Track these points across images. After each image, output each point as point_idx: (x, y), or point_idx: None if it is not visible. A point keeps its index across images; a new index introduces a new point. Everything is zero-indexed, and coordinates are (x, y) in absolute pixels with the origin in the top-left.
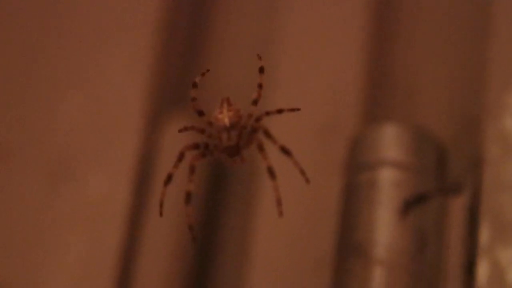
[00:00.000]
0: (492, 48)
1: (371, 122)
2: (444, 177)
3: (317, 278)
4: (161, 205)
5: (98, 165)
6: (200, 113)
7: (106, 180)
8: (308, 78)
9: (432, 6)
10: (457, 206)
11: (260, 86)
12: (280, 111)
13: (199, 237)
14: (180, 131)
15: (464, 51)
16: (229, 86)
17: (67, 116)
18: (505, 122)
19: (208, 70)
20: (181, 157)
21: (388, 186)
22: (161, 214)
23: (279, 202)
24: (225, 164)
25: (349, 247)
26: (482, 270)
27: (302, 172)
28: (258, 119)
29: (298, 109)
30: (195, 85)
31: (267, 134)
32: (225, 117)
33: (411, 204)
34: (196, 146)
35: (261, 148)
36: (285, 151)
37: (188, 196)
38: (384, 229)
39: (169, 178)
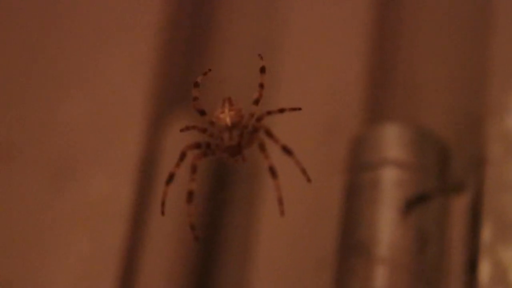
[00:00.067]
0: (494, 47)
1: (373, 122)
2: (446, 177)
3: (319, 277)
4: (163, 204)
5: (100, 165)
6: (202, 113)
7: (108, 180)
8: (310, 78)
9: (433, 6)
10: (459, 205)
11: (261, 85)
12: (281, 110)
13: (201, 236)
14: (181, 130)
15: (466, 51)
16: (231, 86)
17: (68, 116)
18: (507, 121)
19: (209, 70)
20: (182, 156)
21: (390, 186)
22: (163, 213)
23: (280, 202)
24: (226, 163)
25: (351, 247)
26: (484, 270)
27: (304, 172)
28: (259, 119)
29: (300, 109)
30: (196, 84)
31: (269, 134)
32: (226, 117)
33: (413, 204)
34: (197, 146)
35: (262, 148)
36: (286, 150)
37: (190, 196)
38: (386, 228)
39: (170, 178)
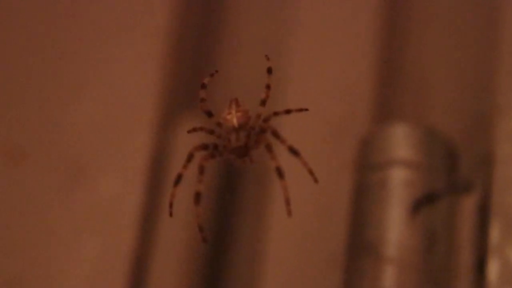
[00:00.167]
0: (503, 47)
1: (382, 122)
2: (454, 177)
3: (328, 277)
4: (170, 206)
5: (110, 166)
6: (209, 114)
7: (118, 181)
8: (318, 78)
9: (442, 5)
10: (468, 205)
11: (268, 86)
12: (288, 111)
13: (211, 237)
14: (189, 131)
15: (474, 51)
16: (239, 87)
17: (78, 118)
18: None
19: (216, 71)
20: (190, 157)
21: (398, 186)
22: (171, 214)
23: (287, 202)
24: (234, 164)
25: (359, 247)
26: (493, 269)
27: (311, 172)
28: (266, 120)
29: (306, 109)
30: (204, 86)
31: (276, 135)
32: (233, 118)
33: (422, 204)
34: (205, 147)
35: (269, 149)
36: (293, 151)
37: (197, 197)
38: (395, 228)
39: (178, 179)
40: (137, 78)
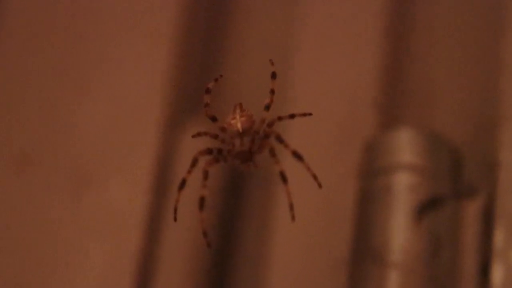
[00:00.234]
0: (508, 52)
1: (386, 127)
2: (459, 181)
3: (333, 282)
4: (175, 211)
5: (116, 171)
6: (213, 119)
7: (125, 185)
8: (323, 83)
9: (447, 11)
10: (472, 210)
11: (272, 91)
12: (292, 116)
13: (216, 241)
14: (193, 136)
15: (479, 56)
16: (243, 92)
17: (86, 124)
18: None
19: (221, 76)
20: (194, 162)
21: (403, 190)
22: (175, 219)
23: (291, 207)
24: (238, 169)
25: (364, 251)
26: (497, 274)
27: (315, 177)
28: (270, 125)
29: (310, 114)
30: (208, 91)
31: (279, 139)
32: (237, 123)
33: (426, 208)
34: (209, 152)
35: (272, 153)
36: (297, 156)
37: (201, 202)
38: (399, 233)
39: (183, 184)
40: (143, 84)
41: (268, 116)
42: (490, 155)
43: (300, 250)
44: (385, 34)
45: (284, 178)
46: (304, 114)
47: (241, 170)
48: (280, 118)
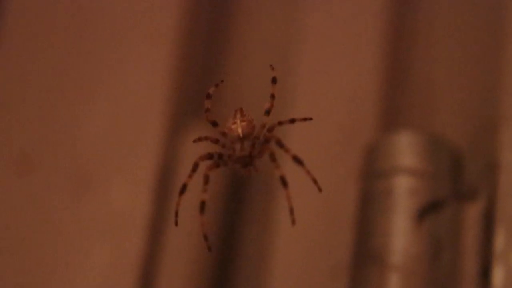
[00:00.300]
0: (509, 54)
1: (387, 130)
2: (459, 184)
3: (334, 285)
4: (176, 215)
5: (118, 175)
6: (214, 124)
7: (127, 189)
8: (324, 87)
9: (448, 13)
10: (473, 212)
11: (272, 96)
12: (292, 120)
13: (218, 245)
14: (194, 141)
15: (480, 58)
16: (244, 97)
17: (87, 125)
18: None
19: (222, 81)
20: (195, 167)
21: (403, 193)
22: (176, 223)
23: (291, 211)
24: (238, 174)
25: (365, 254)
26: (498, 276)
27: (315, 181)
28: (270, 129)
29: (311, 119)
30: (209, 96)
31: (280, 144)
32: (238, 128)
33: (427, 211)
34: (210, 156)
35: (273, 158)
36: (297, 160)
37: (202, 206)
38: (400, 236)
39: (184, 188)
40: (144, 89)
41: (269, 121)
42: (490, 157)
43: (301, 254)
44: (385, 34)
45: (284, 183)
46: (305, 119)
47: (242, 174)
48: (280, 123)
